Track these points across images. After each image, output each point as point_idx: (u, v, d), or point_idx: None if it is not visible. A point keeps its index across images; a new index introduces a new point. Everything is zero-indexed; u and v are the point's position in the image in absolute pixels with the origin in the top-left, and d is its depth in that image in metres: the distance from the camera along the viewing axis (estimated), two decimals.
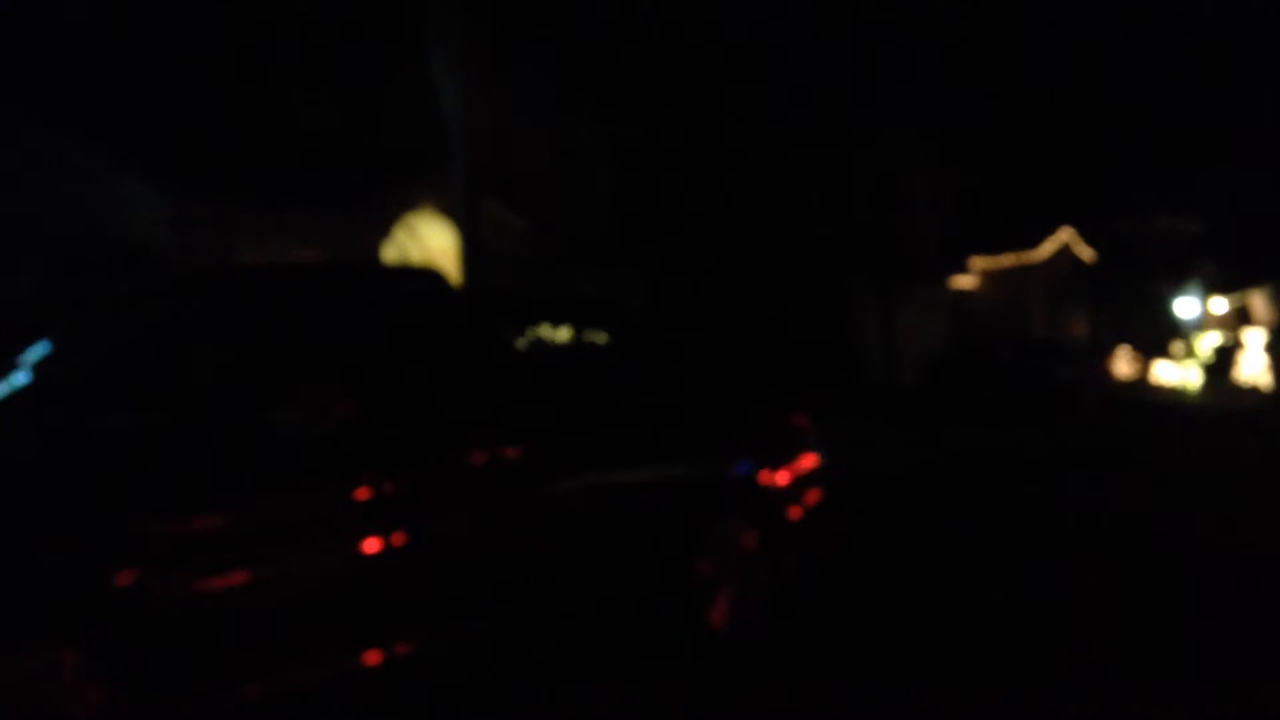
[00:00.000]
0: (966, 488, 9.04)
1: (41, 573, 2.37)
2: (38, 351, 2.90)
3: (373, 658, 2.95)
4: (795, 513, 4.66)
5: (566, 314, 4.16)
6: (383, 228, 18.41)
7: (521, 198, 19.00)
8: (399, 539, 3.02)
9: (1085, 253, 35.45)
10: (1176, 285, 38.54)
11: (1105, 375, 28.78)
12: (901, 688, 3.66)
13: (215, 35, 16.52)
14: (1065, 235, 34.43)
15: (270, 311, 3.34)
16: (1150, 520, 7.03)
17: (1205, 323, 39.22)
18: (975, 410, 17.94)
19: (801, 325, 23.27)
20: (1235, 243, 43.19)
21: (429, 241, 18.78)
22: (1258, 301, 41.15)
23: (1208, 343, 34.23)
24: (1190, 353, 33.36)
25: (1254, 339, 29.14)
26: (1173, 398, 25.21)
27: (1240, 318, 40.25)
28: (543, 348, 4.02)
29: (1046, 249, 33.67)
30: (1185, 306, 38.33)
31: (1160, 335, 35.71)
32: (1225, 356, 30.43)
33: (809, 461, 4.86)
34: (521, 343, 3.92)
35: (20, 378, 2.83)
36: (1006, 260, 33.16)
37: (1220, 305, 40.98)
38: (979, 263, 33.05)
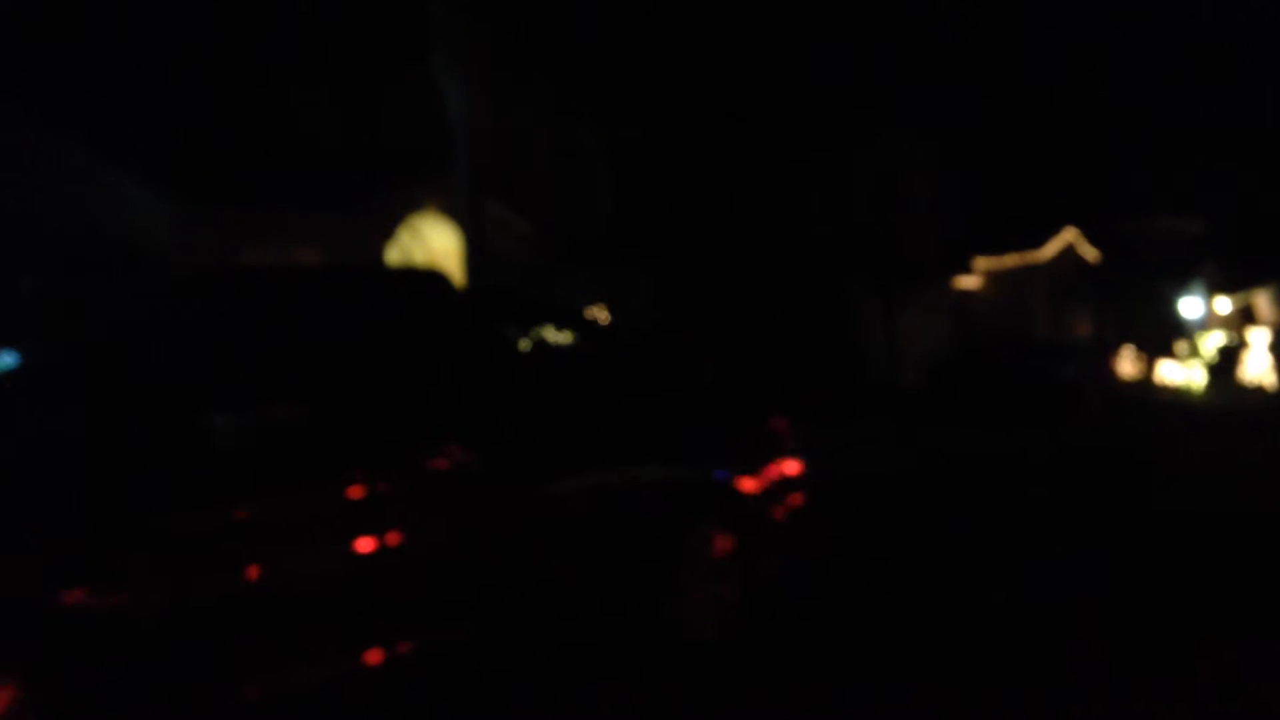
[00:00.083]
0: (969, 489, 9.00)
1: None
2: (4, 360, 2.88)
3: (361, 660, 2.93)
4: (774, 518, 4.61)
5: (542, 318, 4.14)
6: (386, 229, 18.40)
7: (524, 199, 18.99)
8: (386, 542, 2.99)
9: (1089, 253, 35.39)
10: (1181, 285, 38.50)
11: (1109, 375, 28.68)
12: (894, 690, 3.63)
13: (215, 36, 16.50)
14: (1069, 235, 34.36)
15: (270, 312, 3.31)
16: (1153, 520, 6.99)
17: (1209, 322, 39.18)
18: (978, 411, 17.90)
19: (803, 326, 23.25)
20: (1239, 242, 43.13)
21: (432, 243, 18.77)
22: (1262, 301, 41.10)
23: (1212, 342, 34.19)
24: (1194, 352, 33.31)
25: (1258, 338, 29.07)
26: (1177, 397, 25.15)
27: (1245, 317, 40.21)
28: (519, 352, 4.01)
29: (1050, 249, 33.59)
30: (1189, 306, 38.28)
31: (1164, 335, 35.67)
32: (1229, 356, 30.38)
33: (788, 466, 4.80)
34: (504, 347, 3.91)
35: None
36: (1010, 260, 33.09)
37: (1224, 305, 40.93)
38: (983, 263, 32.99)
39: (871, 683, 3.70)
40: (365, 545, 2.96)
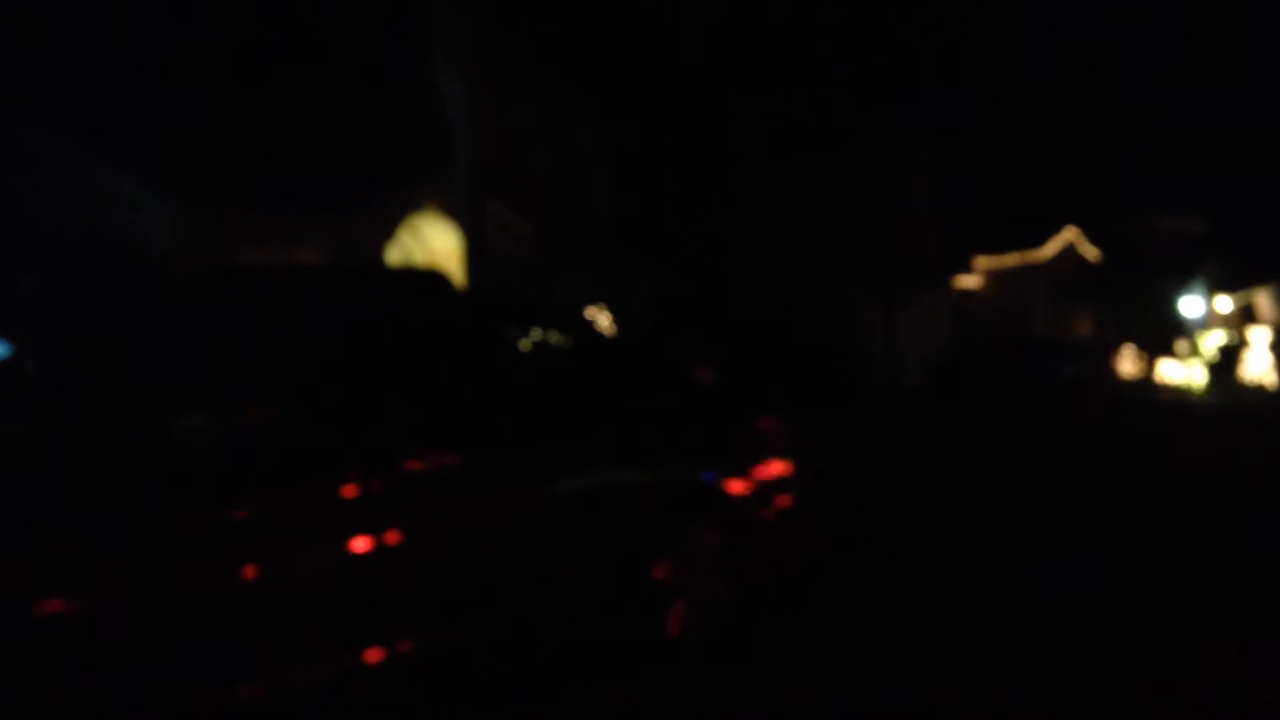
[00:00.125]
0: (969, 488, 8.99)
1: None
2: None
3: (347, 664, 2.93)
4: (763, 519, 4.56)
5: (531, 319, 4.10)
6: (386, 229, 18.42)
7: (524, 199, 19.00)
8: (361, 545, 2.98)
9: (1090, 252, 35.40)
10: (1181, 284, 38.49)
11: (1110, 374, 28.70)
12: (893, 690, 3.63)
13: (216, 36, 16.50)
14: (1070, 234, 34.38)
15: (271, 312, 3.31)
16: (1154, 520, 6.99)
17: (1210, 321, 39.17)
18: (978, 410, 17.88)
19: (803, 326, 23.24)
20: (1240, 241, 43.19)
21: (433, 243, 18.79)
22: (1262, 300, 41.09)
23: (1212, 341, 34.18)
24: (1195, 351, 33.31)
25: (1259, 337, 29.07)
26: (1178, 396, 25.15)
27: (1245, 316, 40.21)
28: (513, 353, 3.99)
29: (1051, 248, 33.62)
30: (1190, 305, 38.27)
31: (1165, 334, 35.67)
32: (1230, 355, 30.38)
33: (777, 467, 4.74)
34: (502, 347, 3.90)
35: None
36: (1011, 260, 33.12)
37: (1225, 304, 40.92)
38: (983, 262, 33.01)
39: (869, 683, 3.70)
40: (347, 547, 2.95)
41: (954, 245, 29.39)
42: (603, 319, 19.89)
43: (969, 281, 31.89)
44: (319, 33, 17.65)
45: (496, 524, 3.41)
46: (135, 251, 13.72)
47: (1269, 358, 27.44)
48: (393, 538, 3.02)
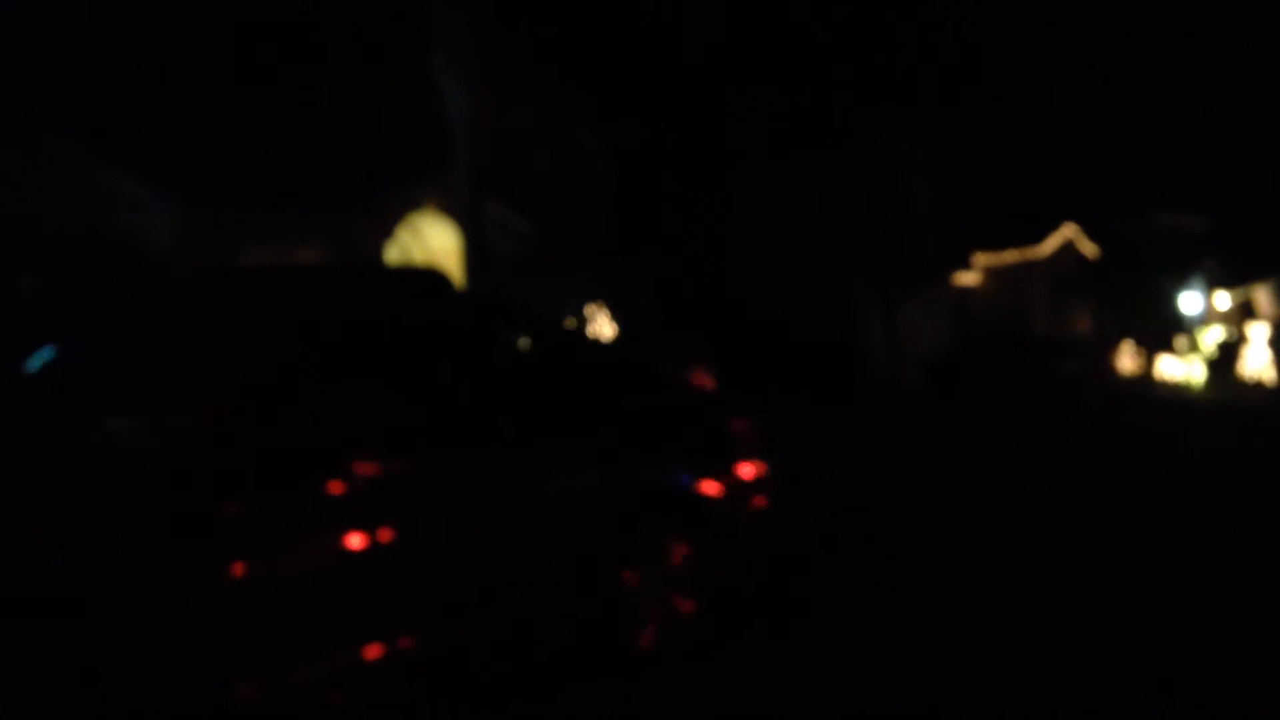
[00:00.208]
0: (969, 487, 9.01)
1: None
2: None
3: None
4: (736, 521, 4.46)
5: (496, 318, 4.03)
6: (386, 228, 18.42)
7: (523, 198, 19.01)
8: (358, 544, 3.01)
9: (1088, 249, 35.37)
10: (1180, 280, 38.45)
11: (1109, 371, 28.74)
12: (887, 690, 3.63)
13: (215, 36, 16.50)
14: (1068, 231, 34.34)
15: (271, 312, 3.33)
16: (1153, 517, 7.00)
17: (1209, 318, 39.14)
18: (979, 408, 17.90)
19: (804, 325, 23.24)
20: (1239, 238, 43.12)
21: (432, 241, 18.80)
22: (1261, 296, 41.07)
23: (1211, 338, 34.18)
24: (1194, 348, 33.30)
25: (1258, 334, 29.07)
26: (1177, 393, 25.17)
27: (1244, 312, 40.15)
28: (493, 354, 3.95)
29: (1050, 245, 33.58)
30: (1189, 302, 38.24)
31: (1164, 330, 35.62)
32: (1229, 351, 30.38)
33: (751, 469, 4.62)
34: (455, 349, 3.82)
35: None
36: (1010, 256, 33.07)
37: (1224, 300, 40.87)
38: (982, 259, 32.97)
39: (869, 683, 3.70)
40: (334, 546, 2.97)
41: (953, 242, 29.37)
42: (602, 317, 19.90)
43: (968, 279, 31.85)
44: (319, 33, 17.64)
45: (451, 528, 3.33)
46: (135, 251, 13.72)
47: (1268, 354, 27.44)
48: (307, 556, 2.98)
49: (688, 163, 23.24)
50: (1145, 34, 72.34)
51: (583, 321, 19.55)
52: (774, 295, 23.76)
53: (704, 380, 4.95)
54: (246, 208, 16.28)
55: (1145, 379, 30.09)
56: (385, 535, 3.08)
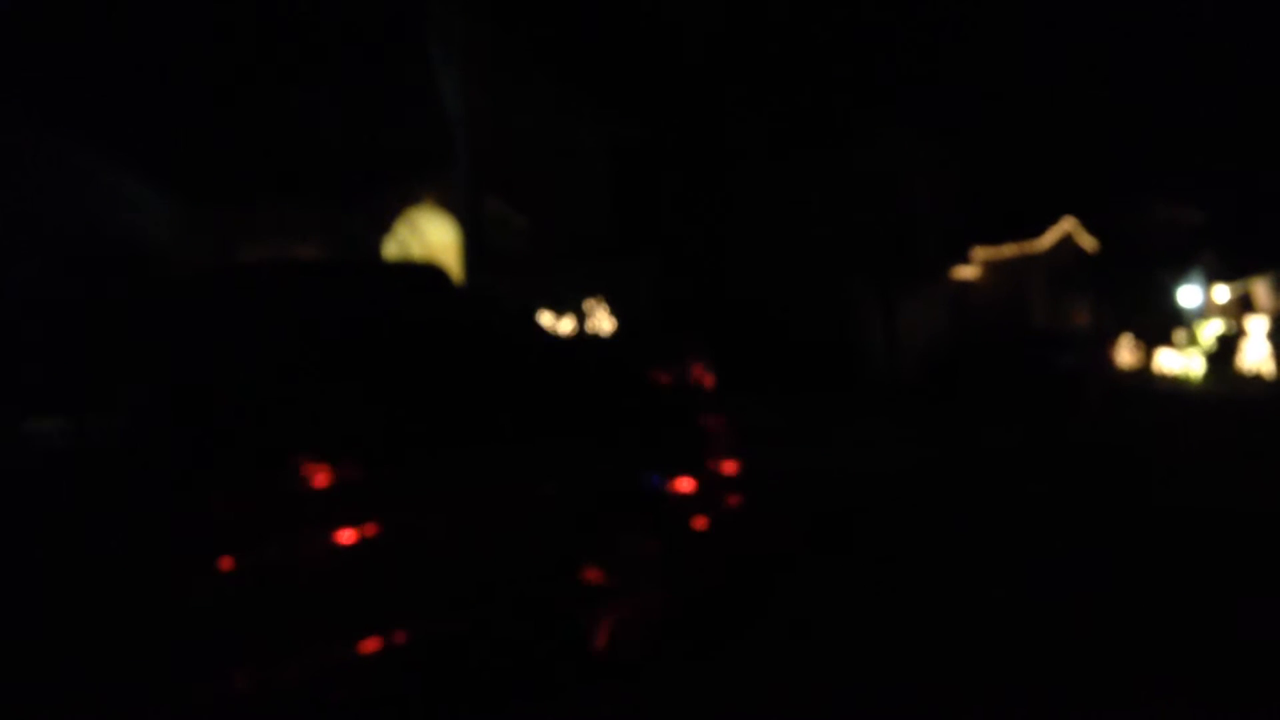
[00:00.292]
0: (969, 486, 9.01)
1: None
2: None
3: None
4: (708, 521, 4.36)
5: (464, 315, 3.96)
6: (384, 224, 18.40)
7: (523, 195, 19.00)
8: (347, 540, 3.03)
9: (1087, 242, 35.36)
10: (1179, 274, 38.46)
11: (1108, 364, 28.72)
12: (887, 690, 3.64)
13: (215, 35, 16.48)
14: (1067, 225, 34.33)
15: (271, 310, 3.34)
16: (1153, 516, 7.01)
17: (1208, 311, 39.16)
18: (978, 405, 17.89)
19: (804, 324, 23.25)
20: (1237, 231, 43.11)
21: (430, 237, 18.77)
22: (1260, 289, 41.07)
23: (1210, 331, 34.22)
24: (1193, 341, 33.34)
25: (1257, 327, 29.13)
26: (1176, 386, 25.19)
27: (1243, 305, 40.18)
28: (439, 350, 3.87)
29: (1048, 239, 33.57)
30: (1188, 295, 38.25)
31: (1163, 324, 35.66)
32: (1228, 344, 30.45)
33: (725, 466, 4.54)
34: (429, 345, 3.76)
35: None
36: (1008, 250, 33.06)
37: (1222, 293, 40.89)
38: (980, 253, 32.97)
39: (868, 682, 3.71)
40: (326, 542, 2.99)
41: (952, 237, 29.38)
42: (601, 313, 19.90)
43: (967, 272, 31.86)
44: (318, 31, 17.62)
45: (399, 533, 3.24)
46: (135, 251, 13.72)
47: (1266, 347, 27.49)
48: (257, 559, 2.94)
49: (688, 162, 23.23)
50: (1143, 28, 72.29)
51: (582, 317, 19.57)
52: (774, 294, 23.77)
53: (704, 378, 4.86)
54: (246, 206, 16.27)
55: (1144, 372, 30.14)
56: (370, 530, 3.09)
